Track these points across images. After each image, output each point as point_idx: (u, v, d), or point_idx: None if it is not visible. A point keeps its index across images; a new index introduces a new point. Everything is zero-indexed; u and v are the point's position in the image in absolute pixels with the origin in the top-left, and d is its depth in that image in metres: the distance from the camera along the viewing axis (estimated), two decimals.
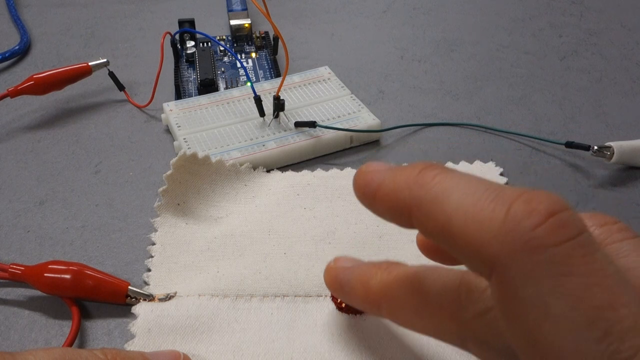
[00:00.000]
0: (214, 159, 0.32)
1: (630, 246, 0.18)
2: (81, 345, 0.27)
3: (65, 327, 0.27)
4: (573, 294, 0.14)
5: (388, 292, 0.21)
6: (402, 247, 0.30)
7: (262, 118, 0.37)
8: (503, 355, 0.18)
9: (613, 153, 0.34)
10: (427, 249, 0.24)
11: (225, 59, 0.45)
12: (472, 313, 0.18)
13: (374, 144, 0.38)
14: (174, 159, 0.31)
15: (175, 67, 0.43)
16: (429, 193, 0.17)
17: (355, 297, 0.23)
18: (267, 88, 0.40)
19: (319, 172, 0.34)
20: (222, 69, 0.44)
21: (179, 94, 0.41)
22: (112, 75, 0.41)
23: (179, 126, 0.37)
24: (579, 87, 0.42)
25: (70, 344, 0.26)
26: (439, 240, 0.17)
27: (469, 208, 0.16)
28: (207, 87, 0.41)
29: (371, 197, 0.19)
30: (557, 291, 0.14)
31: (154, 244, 0.30)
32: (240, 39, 0.46)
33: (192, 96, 0.41)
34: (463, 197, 0.16)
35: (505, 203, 0.15)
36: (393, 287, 0.21)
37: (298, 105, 0.38)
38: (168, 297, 0.27)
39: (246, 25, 0.46)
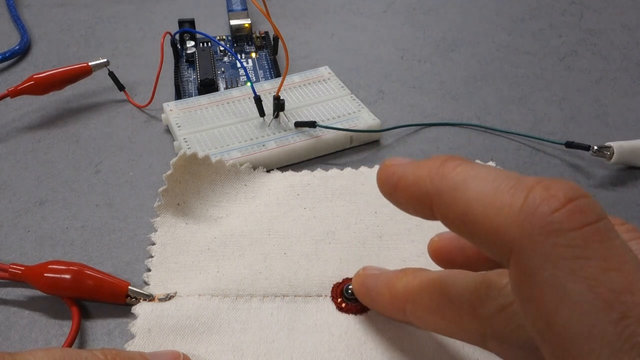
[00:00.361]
0: (214, 159, 0.32)
1: (638, 246, 0.18)
2: (81, 345, 0.27)
3: (65, 327, 0.27)
4: (591, 277, 0.14)
5: (412, 295, 0.22)
6: (402, 247, 0.30)
7: (262, 118, 0.37)
8: (523, 351, 0.18)
9: (613, 153, 0.34)
10: (440, 257, 0.24)
11: (225, 59, 0.45)
12: (492, 309, 0.19)
13: (374, 144, 0.38)
14: (174, 159, 0.31)
15: (175, 67, 0.43)
16: (449, 183, 0.17)
17: (382, 302, 0.24)
18: (267, 88, 0.40)
19: (319, 172, 0.34)
20: (222, 69, 0.44)
21: (179, 94, 0.41)
22: (112, 75, 0.41)
23: (179, 126, 0.37)
24: (579, 87, 0.42)
25: (70, 344, 0.26)
26: (460, 229, 0.18)
27: (489, 195, 0.16)
28: (207, 87, 0.41)
29: (393, 188, 0.20)
30: (575, 274, 0.15)
31: (153, 244, 0.30)
32: (240, 39, 0.46)
33: (192, 96, 0.41)
34: (483, 185, 0.17)
35: (524, 189, 0.16)
36: (417, 290, 0.22)
37: (298, 105, 0.38)
38: (168, 297, 0.27)
39: (246, 25, 0.46)
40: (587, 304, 0.14)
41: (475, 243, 0.17)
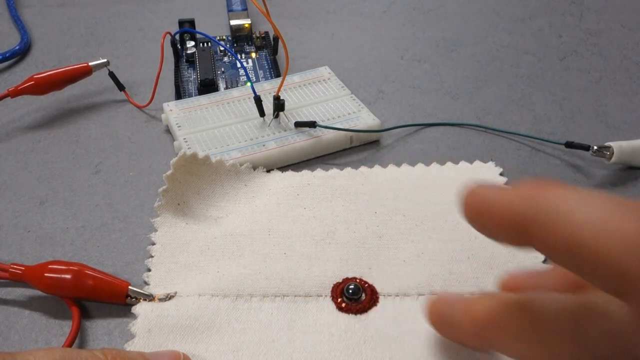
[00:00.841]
0: (214, 159, 0.32)
1: None
2: (81, 345, 0.27)
3: (65, 327, 0.27)
4: None
5: (496, 320, 0.20)
6: (402, 247, 0.30)
7: (262, 118, 0.37)
8: None
9: (613, 153, 0.34)
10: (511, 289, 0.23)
11: (225, 59, 0.45)
12: (596, 334, 0.17)
13: (374, 144, 0.38)
14: (174, 159, 0.31)
15: (175, 67, 0.43)
16: (551, 207, 0.16)
17: (461, 330, 0.22)
18: (267, 88, 0.40)
19: (319, 172, 0.34)
20: (222, 69, 0.44)
21: (179, 94, 0.41)
22: (112, 75, 0.41)
23: (179, 126, 0.37)
24: (579, 87, 0.42)
25: (71, 344, 0.26)
26: (562, 257, 0.16)
27: (599, 220, 0.15)
28: (207, 87, 0.41)
29: (484, 214, 0.19)
30: None
31: (154, 244, 0.30)
32: (240, 39, 0.46)
33: (192, 96, 0.41)
34: (591, 209, 0.16)
35: (639, 214, 0.15)
36: (502, 315, 0.20)
37: (298, 105, 0.38)
38: (168, 297, 0.27)
39: (246, 25, 0.46)
40: None
41: (580, 273, 0.16)
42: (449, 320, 0.22)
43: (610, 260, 0.15)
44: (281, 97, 0.37)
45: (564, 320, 0.18)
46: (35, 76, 0.39)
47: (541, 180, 0.17)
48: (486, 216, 0.18)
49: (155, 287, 0.28)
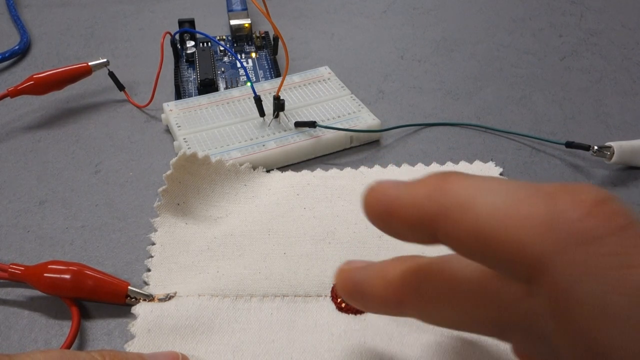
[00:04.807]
0: (213, 159, 0.32)
1: None
2: (81, 346, 0.27)
3: (65, 327, 0.27)
4: (636, 288, 0.13)
5: (412, 283, 0.19)
6: (402, 246, 0.29)
7: (262, 118, 0.37)
8: (547, 346, 0.16)
9: (613, 153, 0.34)
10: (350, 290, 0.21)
11: (225, 59, 0.45)
12: (515, 293, 0.16)
13: (374, 144, 0.38)
14: (174, 159, 0.31)
15: (175, 67, 0.43)
16: (455, 199, 0.15)
17: (374, 296, 0.20)
18: (267, 88, 0.40)
19: (319, 172, 0.34)
20: (222, 69, 0.44)
21: (179, 94, 0.41)
22: (112, 75, 0.41)
23: (179, 126, 0.37)
24: (579, 87, 0.42)
25: (70, 344, 0.26)
26: (472, 250, 0.15)
27: (504, 207, 0.14)
28: (207, 87, 0.41)
29: (387, 213, 0.17)
30: (620, 285, 0.13)
31: (153, 244, 0.30)
32: (240, 39, 0.46)
33: (192, 96, 0.41)
34: (495, 197, 0.15)
35: (544, 197, 0.14)
36: (417, 277, 0.19)
37: (298, 105, 0.38)
38: (168, 297, 0.27)
39: (246, 25, 0.46)
40: (634, 320, 0.13)
41: (491, 264, 0.15)
42: (360, 287, 0.20)
43: (521, 250, 0.14)
44: (281, 97, 0.37)
45: (481, 281, 0.17)
46: (34, 76, 0.39)
47: (443, 172, 0.16)
48: (389, 215, 0.17)
49: (155, 287, 0.28)
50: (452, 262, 0.18)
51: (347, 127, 0.36)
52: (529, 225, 0.14)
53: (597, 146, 0.34)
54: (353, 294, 0.21)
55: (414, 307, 0.19)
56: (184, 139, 0.36)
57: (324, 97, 0.39)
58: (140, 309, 0.27)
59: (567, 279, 0.13)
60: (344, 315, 0.27)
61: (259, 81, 0.42)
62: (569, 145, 0.35)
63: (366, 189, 0.18)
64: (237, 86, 0.42)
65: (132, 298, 0.27)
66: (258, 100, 0.37)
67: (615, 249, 0.13)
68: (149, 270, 0.29)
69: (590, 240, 0.13)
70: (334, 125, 0.36)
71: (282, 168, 0.35)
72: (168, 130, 0.39)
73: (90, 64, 0.41)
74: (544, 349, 0.16)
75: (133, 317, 0.27)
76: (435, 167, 0.35)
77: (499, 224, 0.14)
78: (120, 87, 0.42)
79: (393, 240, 0.30)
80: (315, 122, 0.36)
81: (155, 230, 0.30)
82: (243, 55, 0.45)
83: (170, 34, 0.42)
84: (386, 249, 0.29)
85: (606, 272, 0.13)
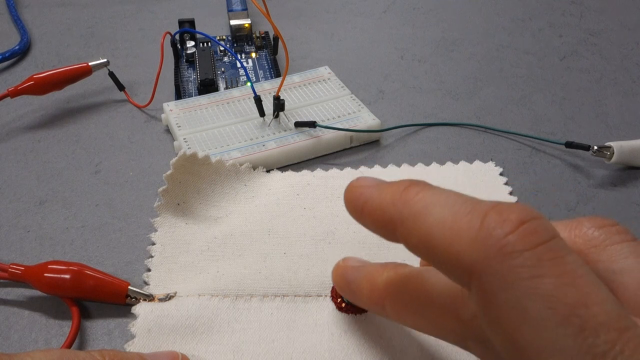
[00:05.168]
0: (213, 159, 0.32)
1: (629, 248, 0.18)
2: (81, 345, 0.27)
3: (65, 327, 0.27)
4: (547, 294, 0.15)
5: (392, 290, 0.22)
6: (401, 246, 0.30)
7: (262, 118, 0.37)
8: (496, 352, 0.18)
9: (613, 153, 0.34)
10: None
11: (225, 59, 0.45)
12: (471, 312, 0.19)
13: (374, 144, 0.38)
14: (174, 159, 0.31)
15: (175, 67, 0.43)
16: (412, 209, 0.18)
17: (361, 296, 0.24)
18: (267, 88, 0.40)
19: (319, 172, 0.34)
20: (222, 69, 0.44)
21: (179, 94, 0.41)
22: (112, 75, 0.41)
23: (179, 126, 0.37)
24: (579, 87, 0.42)
25: (70, 344, 0.26)
26: (422, 254, 0.18)
27: (447, 221, 0.17)
28: (207, 87, 0.41)
29: (359, 211, 0.20)
30: (532, 292, 0.15)
31: (153, 244, 0.30)
32: (240, 39, 0.46)
33: (192, 96, 0.41)
34: (442, 211, 0.17)
35: (479, 214, 0.16)
36: (397, 286, 0.22)
37: (298, 105, 0.38)
38: (168, 297, 0.27)
39: (246, 25, 0.46)
40: (546, 321, 0.15)
41: (437, 268, 0.18)
42: (351, 285, 0.24)
43: (458, 258, 0.16)
44: (281, 97, 0.37)
45: (448, 298, 0.20)
46: (35, 76, 0.39)
47: (410, 181, 0.19)
48: (361, 213, 0.20)
49: (155, 287, 0.28)
50: (430, 274, 0.21)
51: (347, 127, 0.36)
52: (465, 237, 0.16)
53: (597, 146, 0.34)
54: (345, 291, 0.25)
55: (392, 310, 0.22)
56: (184, 139, 0.36)
57: (324, 97, 0.39)
58: (140, 309, 0.27)
59: (492, 286, 0.16)
60: (344, 315, 0.27)
61: (259, 81, 0.42)
62: (569, 145, 0.35)
63: (348, 184, 0.21)
64: (237, 86, 0.42)
65: (132, 298, 0.27)
66: (258, 100, 0.37)
67: (528, 261, 0.15)
68: (149, 270, 0.29)
69: (510, 254, 0.15)
70: (334, 125, 0.36)
71: (282, 168, 0.35)
72: (168, 130, 0.39)
73: (90, 64, 0.41)
74: (495, 357, 0.19)
75: (133, 317, 0.27)
76: (435, 167, 0.35)
77: (442, 234, 0.17)
78: (120, 87, 0.42)
79: None
80: (315, 122, 0.36)
81: (156, 230, 0.30)
82: (243, 55, 0.45)
83: (170, 34, 0.42)
84: (386, 248, 0.29)
85: (521, 282, 0.15)
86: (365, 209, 0.20)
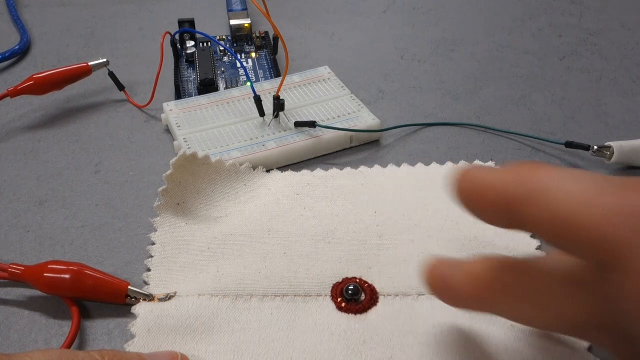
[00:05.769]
0: (213, 159, 0.32)
1: None
2: (81, 346, 0.27)
3: (65, 327, 0.27)
4: None
5: (499, 279, 0.20)
6: (402, 247, 0.30)
7: (262, 118, 0.37)
8: (631, 336, 0.17)
9: (613, 153, 0.34)
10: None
11: (225, 59, 0.45)
12: (602, 298, 0.17)
13: (374, 144, 0.38)
14: (174, 159, 0.31)
15: (175, 67, 0.43)
16: (539, 185, 0.17)
17: (462, 292, 0.21)
18: (267, 88, 0.40)
19: (319, 172, 0.34)
20: (222, 69, 0.44)
21: (179, 94, 0.41)
22: (112, 75, 0.41)
23: (179, 126, 0.37)
24: (579, 87, 0.42)
25: (70, 344, 0.26)
26: (550, 233, 0.17)
27: (584, 195, 0.16)
28: (207, 87, 0.41)
29: (476, 195, 0.19)
30: None
31: (153, 244, 0.30)
32: (240, 39, 0.46)
33: (192, 96, 0.41)
34: (577, 186, 0.16)
35: (619, 190, 0.15)
36: (504, 273, 0.20)
37: (298, 105, 0.38)
38: (168, 297, 0.27)
39: (246, 25, 0.46)
40: None
41: (568, 249, 0.17)
42: (449, 283, 0.22)
43: (595, 233, 0.15)
44: (281, 97, 0.37)
45: (568, 281, 0.18)
46: (35, 76, 0.39)
47: (529, 162, 0.18)
48: (478, 197, 0.19)
49: (155, 287, 0.28)
50: (543, 261, 0.19)
51: (347, 127, 0.36)
52: (603, 213, 0.15)
53: (597, 146, 0.34)
54: (442, 290, 0.22)
55: (500, 304, 0.20)
56: (184, 139, 0.36)
57: (323, 97, 0.39)
58: (140, 309, 0.27)
59: None
60: (344, 315, 0.27)
61: (259, 81, 0.42)
62: (569, 145, 0.35)
63: (458, 172, 0.20)
64: (237, 86, 0.42)
65: (132, 298, 0.27)
66: (258, 100, 0.37)
67: None
68: (149, 270, 0.29)
69: None
70: (334, 125, 0.36)
71: (282, 168, 0.35)
72: (168, 130, 0.39)
73: (90, 64, 0.41)
74: (625, 343, 0.17)
75: (133, 317, 0.27)
76: (435, 167, 0.35)
77: (578, 210, 0.16)
78: (120, 87, 0.42)
79: (393, 241, 0.30)
80: (315, 122, 0.36)
81: (155, 230, 0.30)
82: (243, 55, 0.45)
83: (170, 34, 0.42)
84: (386, 248, 0.29)
85: None
86: (483, 191, 0.19)
